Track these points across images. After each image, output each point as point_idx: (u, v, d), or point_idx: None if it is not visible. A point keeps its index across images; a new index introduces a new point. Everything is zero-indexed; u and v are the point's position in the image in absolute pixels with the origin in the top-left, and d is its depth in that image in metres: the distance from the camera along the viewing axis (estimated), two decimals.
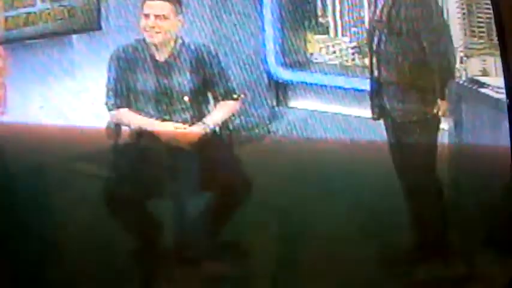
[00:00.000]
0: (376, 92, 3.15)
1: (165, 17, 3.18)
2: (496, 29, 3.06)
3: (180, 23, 3.21)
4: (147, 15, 3.11)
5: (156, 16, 3.16)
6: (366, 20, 3.26)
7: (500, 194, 2.94)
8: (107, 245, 3.06)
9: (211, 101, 3.25)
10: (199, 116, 3.24)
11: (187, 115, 3.23)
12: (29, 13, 3.65)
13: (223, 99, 3.25)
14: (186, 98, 3.21)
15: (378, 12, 3.13)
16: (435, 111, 3.08)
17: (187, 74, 3.25)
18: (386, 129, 3.12)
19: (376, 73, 3.12)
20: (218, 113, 3.28)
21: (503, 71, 3.02)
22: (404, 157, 3.12)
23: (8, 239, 3.10)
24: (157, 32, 3.16)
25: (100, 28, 3.58)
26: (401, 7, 3.09)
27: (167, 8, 3.17)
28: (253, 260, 3.12)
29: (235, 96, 3.25)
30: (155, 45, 3.19)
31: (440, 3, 3.17)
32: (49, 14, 3.64)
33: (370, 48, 3.15)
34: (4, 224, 3.12)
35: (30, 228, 3.08)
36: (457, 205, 3.12)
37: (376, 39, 3.12)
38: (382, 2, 3.11)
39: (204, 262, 3.12)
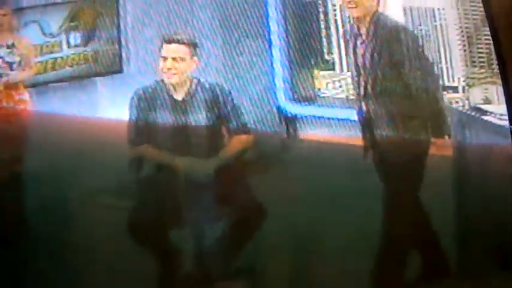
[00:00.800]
0: (368, 127, 3.12)
1: (181, 59, 3.25)
2: (496, 58, 3.14)
3: (195, 63, 3.24)
4: (165, 58, 3.15)
5: (173, 58, 3.15)
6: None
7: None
8: (130, 270, 3.20)
9: (226, 135, 3.42)
10: (214, 150, 3.36)
11: (202, 150, 3.38)
12: (55, 58, 3.87)
13: (236, 134, 3.26)
14: (201, 134, 3.37)
15: (359, 58, 3.10)
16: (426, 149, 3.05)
17: (203, 111, 3.39)
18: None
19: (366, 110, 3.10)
20: (232, 147, 3.32)
21: (505, 98, 3.08)
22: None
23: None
24: (174, 74, 3.29)
25: (121, 71, 3.78)
26: (381, 51, 3.06)
27: (183, 51, 3.28)
28: (268, 283, 3.27)
29: (248, 130, 3.42)
30: (173, 86, 3.36)
31: (420, 43, 3.18)
32: (74, 58, 3.85)
33: (358, 91, 3.12)
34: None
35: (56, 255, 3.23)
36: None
37: (362, 83, 3.10)
38: (363, 48, 3.10)
39: (220, 286, 3.24)
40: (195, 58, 3.24)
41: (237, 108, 3.27)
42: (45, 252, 3.15)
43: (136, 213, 3.18)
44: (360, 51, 3.13)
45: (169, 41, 3.21)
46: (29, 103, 3.60)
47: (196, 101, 3.25)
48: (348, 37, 3.19)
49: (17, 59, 3.58)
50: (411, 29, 3.32)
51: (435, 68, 3.30)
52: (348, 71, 3.34)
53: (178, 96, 3.26)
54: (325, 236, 3.12)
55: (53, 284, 3.10)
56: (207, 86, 3.26)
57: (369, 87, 3.09)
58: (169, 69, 3.21)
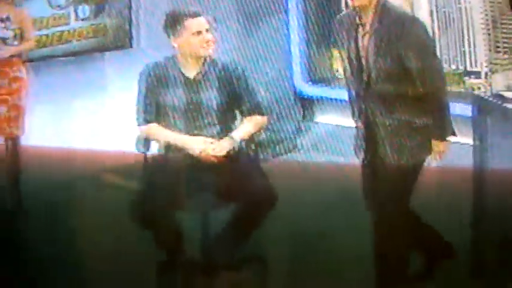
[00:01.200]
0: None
1: (209, 31, 3.14)
2: None
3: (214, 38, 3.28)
4: (199, 32, 3.04)
5: (207, 30, 3.07)
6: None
7: None
8: (134, 253, 3.12)
9: (238, 117, 3.30)
10: (226, 131, 3.18)
11: (214, 130, 3.24)
12: (62, 31, 3.74)
13: (249, 115, 3.15)
14: (213, 114, 3.25)
15: (361, 51, 2.82)
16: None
17: (215, 90, 3.26)
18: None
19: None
20: (245, 128, 3.12)
21: None
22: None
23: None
24: (212, 45, 3.24)
25: (131, 46, 3.66)
26: (387, 43, 2.76)
27: (210, 22, 3.25)
28: (272, 271, 3.18)
29: (262, 111, 3.29)
30: (185, 63, 3.26)
31: (430, 37, 2.92)
32: (81, 32, 3.73)
33: (359, 89, 2.86)
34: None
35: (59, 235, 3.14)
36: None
37: (365, 78, 2.83)
38: (366, 40, 2.81)
39: (226, 272, 3.13)
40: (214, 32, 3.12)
41: (251, 88, 3.15)
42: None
43: (142, 197, 3.06)
44: (362, 43, 2.83)
45: (195, 15, 3.07)
46: (25, 81, 3.43)
47: (208, 80, 3.13)
48: (345, 27, 2.87)
49: (11, 33, 3.41)
50: (423, 18, 3.10)
51: (443, 64, 3.13)
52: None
53: (190, 74, 3.14)
54: (334, 225, 3.02)
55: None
56: (220, 65, 3.14)
57: (372, 83, 2.82)
58: (207, 41, 3.08)
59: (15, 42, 3.41)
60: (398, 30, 2.75)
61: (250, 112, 3.14)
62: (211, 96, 3.12)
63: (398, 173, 2.83)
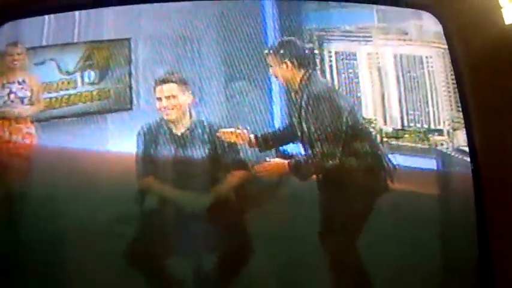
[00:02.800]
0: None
1: (173, 96, 3.45)
2: (460, 102, 3.27)
3: (189, 98, 3.47)
4: (159, 98, 3.45)
5: (167, 97, 3.44)
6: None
7: None
8: None
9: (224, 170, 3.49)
10: (213, 182, 3.43)
11: (202, 182, 3.55)
12: (70, 94, 4.06)
13: (233, 169, 3.43)
14: (200, 167, 3.57)
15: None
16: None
17: (201, 146, 3.59)
18: None
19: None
20: (228, 183, 3.43)
21: (468, 140, 3.14)
22: None
23: None
24: (170, 109, 3.43)
25: (131, 108, 3.97)
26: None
27: (174, 89, 3.46)
28: None
29: (245, 166, 3.44)
30: (172, 122, 3.45)
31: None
32: (87, 95, 4.03)
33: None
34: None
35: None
36: None
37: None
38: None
39: None
40: (188, 93, 3.46)
41: (235, 145, 3.45)
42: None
43: (136, 243, 3.34)
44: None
45: (160, 83, 3.43)
46: (34, 137, 3.76)
47: (194, 136, 3.45)
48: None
49: (28, 94, 3.76)
50: (390, 83, 3.52)
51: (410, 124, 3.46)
52: None
53: (178, 131, 3.46)
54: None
55: None
56: (206, 123, 3.46)
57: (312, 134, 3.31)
58: (164, 107, 3.43)
59: (29, 103, 3.74)
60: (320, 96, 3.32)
61: (234, 167, 3.44)
62: (198, 151, 3.44)
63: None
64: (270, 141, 3.48)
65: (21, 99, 3.77)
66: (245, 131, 3.48)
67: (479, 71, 2.94)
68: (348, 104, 3.42)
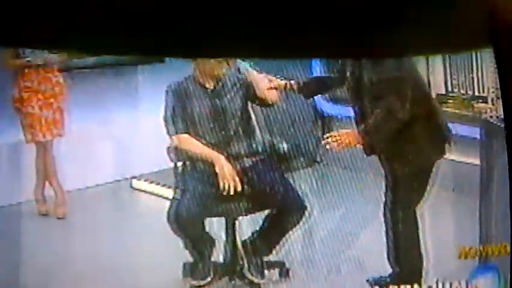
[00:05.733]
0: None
1: None
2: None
3: None
4: None
5: None
6: None
7: None
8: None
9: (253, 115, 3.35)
10: (251, 131, 3.32)
11: (239, 131, 3.30)
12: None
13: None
14: (237, 115, 3.30)
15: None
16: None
17: (236, 94, 3.42)
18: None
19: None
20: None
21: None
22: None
23: None
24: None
25: (163, 61, 3.76)
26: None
27: None
28: (297, 280, 3.21)
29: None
30: (203, 78, 3.30)
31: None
32: None
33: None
34: None
35: None
36: None
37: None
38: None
39: (251, 278, 3.28)
40: None
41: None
42: None
43: (175, 203, 3.20)
44: None
45: None
46: (64, 86, 3.57)
47: (227, 88, 3.28)
48: None
49: None
50: None
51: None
52: None
53: (210, 86, 3.28)
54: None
55: None
56: (238, 76, 3.29)
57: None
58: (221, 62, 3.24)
59: (55, 52, 3.55)
60: None
61: None
62: (233, 100, 3.26)
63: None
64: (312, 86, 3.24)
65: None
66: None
67: None
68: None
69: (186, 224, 3.17)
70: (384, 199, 3.22)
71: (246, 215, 3.24)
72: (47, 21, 2.78)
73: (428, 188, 3.22)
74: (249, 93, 3.28)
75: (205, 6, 2.80)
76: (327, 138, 3.20)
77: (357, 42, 2.83)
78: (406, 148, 3.19)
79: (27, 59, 3.52)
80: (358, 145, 3.20)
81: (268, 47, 2.83)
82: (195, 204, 3.19)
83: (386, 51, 3.01)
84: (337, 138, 3.15)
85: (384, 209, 3.22)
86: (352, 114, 3.31)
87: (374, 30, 2.80)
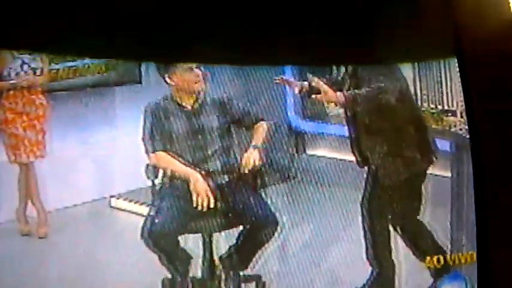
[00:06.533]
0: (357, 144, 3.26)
1: (198, 67, 3.42)
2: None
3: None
4: (190, 68, 3.27)
5: (196, 66, 3.28)
6: None
7: None
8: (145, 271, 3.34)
9: (234, 134, 3.37)
10: (227, 150, 3.33)
11: (216, 150, 3.32)
12: (77, 66, 3.91)
13: (255, 123, 3.35)
14: (214, 135, 3.37)
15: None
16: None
17: (214, 115, 3.46)
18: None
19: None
20: (259, 135, 3.35)
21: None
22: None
23: None
24: (202, 79, 3.32)
25: (140, 82, 3.84)
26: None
27: None
28: None
29: (264, 119, 3.37)
30: (180, 97, 3.32)
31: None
32: (95, 67, 3.88)
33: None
34: None
35: None
36: None
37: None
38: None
39: None
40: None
41: (247, 109, 3.35)
42: None
43: (149, 219, 3.24)
44: None
45: None
46: (47, 107, 3.63)
47: (205, 108, 3.33)
48: None
49: (40, 65, 3.62)
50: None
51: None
52: None
53: (188, 105, 3.33)
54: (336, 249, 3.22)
55: None
56: (216, 97, 3.34)
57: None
58: (198, 75, 3.27)
59: (39, 75, 3.62)
60: None
61: (255, 122, 3.32)
62: (210, 121, 3.31)
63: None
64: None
65: (34, 70, 3.63)
66: None
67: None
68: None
69: (160, 240, 3.20)
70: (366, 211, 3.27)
71: (220, 231, 3.27)
72: (37, 23, 2.80)
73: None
74: (228, 113, 3.33)
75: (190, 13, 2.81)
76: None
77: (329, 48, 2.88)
78: (398, 158, 3.25)
79: (12, 81, 3.59)
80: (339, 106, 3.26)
81: (243, 53, 2.87)
82: (169, 220, 3.23)
83: (357, 58, 3.07)
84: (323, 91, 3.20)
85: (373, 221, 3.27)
86: (326, 131, 3.39)
87: (345, 37, 2.85)
